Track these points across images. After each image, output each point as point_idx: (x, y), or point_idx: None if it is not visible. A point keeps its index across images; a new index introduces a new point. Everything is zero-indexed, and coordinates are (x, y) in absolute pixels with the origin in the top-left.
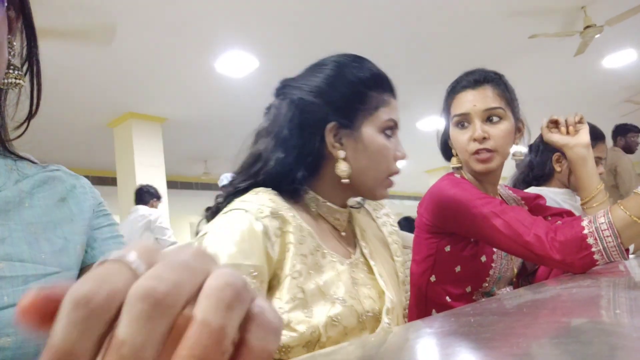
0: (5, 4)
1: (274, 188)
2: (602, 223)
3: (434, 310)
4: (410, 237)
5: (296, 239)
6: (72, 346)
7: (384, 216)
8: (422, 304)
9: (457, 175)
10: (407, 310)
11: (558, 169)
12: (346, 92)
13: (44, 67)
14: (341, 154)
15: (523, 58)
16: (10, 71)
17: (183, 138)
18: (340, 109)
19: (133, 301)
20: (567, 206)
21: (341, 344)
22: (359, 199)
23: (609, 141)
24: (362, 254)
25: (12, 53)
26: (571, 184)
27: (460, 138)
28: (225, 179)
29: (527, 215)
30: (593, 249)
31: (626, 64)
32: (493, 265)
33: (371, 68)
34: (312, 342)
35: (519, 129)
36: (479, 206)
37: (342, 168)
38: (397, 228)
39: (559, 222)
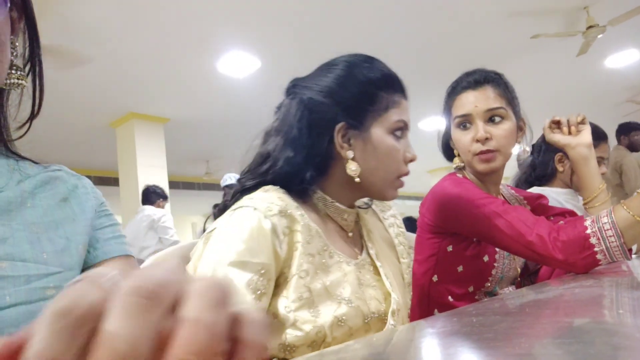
0: (8, 5)
1: (282, 187)
2: (605, 223)
3: (436, 310)
4: (412, 237)
5: (304, 238)
6: (54, 355)
7: (391, 217)
8: (425, 303)
9: (460, 175)
10: (409, 311)
11: (560, 169)
12: (356, 93)
13: (47, 68)
14: (349, 154)
15: (525, 58)
16: (13, 72)
17: (185, 138)
18: (349, 110)
19: (122, 296)
20: (569, 206)
21: (347, 343)
22: (366, 199)
23: (613, 140)
24: (369, 255)
25: (14, 53)
26: (573, 184)
27: (463, 139)
28: (229, 178)
29: (529, 215)
30: (596, 249)
31: (629, 64)
32: (495, 265)
33: (382, 68)
34: (317, 342)
35: (520, 128)
36: (481, 206)
37: (352, 168)
38: (404, 230)
39: (561, 222)
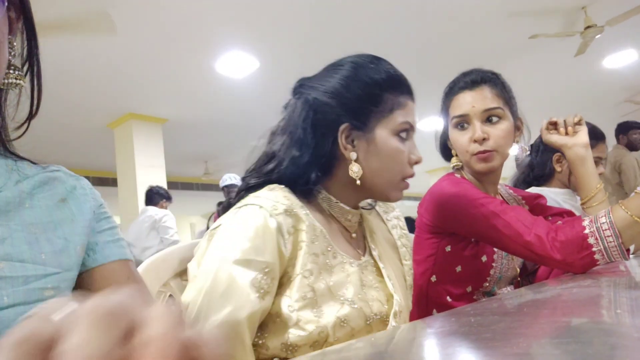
0: (6, 4)
1: (287, 186)
2: (604, 223)
3: (434, 310)
4: (410, 237)
5: (309, 238)
6: None
7: (394, 219)
8: (423, 303)
9: (458, 176)
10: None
11: (558, 169)
12: (360, 94)
13: (44, 68)
14: (353, 155)
15: (523, 58)
16: (11, 71)
17: (183, 139)
18: (353, 110)
19: (82, 315)
20: (567, 206)
21: (349, 342)
22: (370, 200)
23: (611, 140)
24: (372, 256)
25: (12, 53)
26: (572, 184)
27: (461, 139)
28: (228, 179)
29: (527, 215)
30: (594, 249)
31: (627, 64)
32: (494, 265)
33: (388, 69)
34: (319, 342)
35: (517, 128)
36: (480, 206)
37: (354, 169)
38: (407, 231)
39: (559, 222)
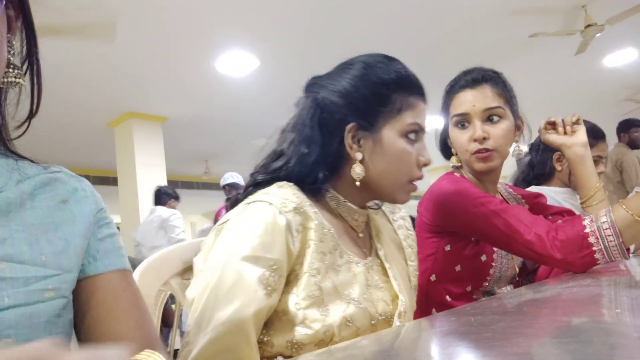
0: (4, 3)
1: (295, 184)
2: (604, 222)
3: (433, 310)
4: (416, 238)
5: (317, 237)
6: None
7: (400, 219)
8: (422, 303)
9: (457, 175)
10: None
11: (559, 168)
12: (368, 94)
13: (44, 67)
14: (358, 155)
15: (523, 57)
16: (10, 70)
17: (183, 138)
18: (360, 110)
19: None
20: (567, 205)
21: (355, 339)
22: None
23: (612, 139)
24: (378, 256)
25: (11, 52)
26: (572, 183)
27: (461, 138)
28: (230, 177)
29: (527, 214)
30: (594, 248)
31: (627, 62)
32: (493, 264)
33: (398, 70)
34: (324, 341)
35: (518, 127)
36: (479, 205)
37: (357, 171)
38: (412, 232)
39: (559, 221)
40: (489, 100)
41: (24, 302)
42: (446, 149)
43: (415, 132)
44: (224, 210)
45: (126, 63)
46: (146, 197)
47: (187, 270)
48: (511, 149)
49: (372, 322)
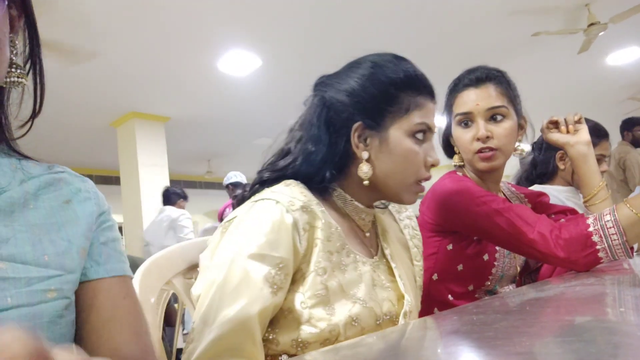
0: (6, 2)
1: (302, 182)
2: (608, 221)
3: (435, 309)
4: (421, 238)
5: (324, 235)
6: None
7: (407, 219)
8: (424, 302)
9: (460, 174)
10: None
11: (562, 166)
12: (375, 93)
13: (48, 67)
14: (365, 154)
15: (526, 56)
16: (13, 70)
17: (186, 137)
18: (367, 110)
19: None
20: (570, 204)
21: (361, 337)
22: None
23: (616, 137)
24: (384, 255)
25: (14, 52)
26: (575, 182)
27: (464, 137)
28: (233, 176)
29: (530, 212)
30: (598, 247)
31: (630, 61)
32: (495, 263)
33: (407, 69)
34: (330, 340)
35: (521, 126)
36: (482, 204)
37: (364, 170)
38: (418, 232)
39: (562, 219)
40: (492, 100)
41: (27, 303)
42: (449, 148)
43: (423, 132)
44: (228, 209)
45: (129, 63)
46: (149, 197)
47: (189, 270)
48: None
49: (377, 322)
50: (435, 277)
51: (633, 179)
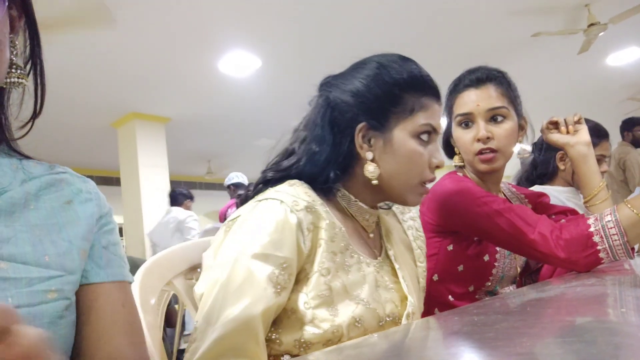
0: (6, 3)
1: (306, 183)
2: (609, 221)
3: (436, 309)
4: (425, 239)
5: (328, 236)
6: None
7: (410, 220)
8: (425, 303)
9: (460, 174)
10: None
11: (562, 167)
12: (380, 93)
13: (48, 68)
14: (369, 155)
15: (526, 56)
16: (13, 70)
17: (186, 138)
18: (371, 110)
19: None
20: (571, 204)
21: (365, 337)
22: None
23: (616, 138)
24: (388, 256)
25: (14, 52)
26: (575, 182)
27: (464, 138)
28: (235, 177)
29: (531, 213)
30: (599, 247)
31: (630, 61)
32: (496, 264)
33: (412, 70)
34: (332, 341)
35: (521, 127)
36: (482, 204)
37: (370, 169)
38: (422, 233)
39: (562, 220)
40: (493, 100)
41: (28, 303)
42: (449, 148)
43: (428, 133)
44: (230, 209)
45: (129, 64)
46: (149, 198)
47: (190, 271)
48: (516, 150)
49: (380, 323)
50: (435, 277)
51: (633, 179)
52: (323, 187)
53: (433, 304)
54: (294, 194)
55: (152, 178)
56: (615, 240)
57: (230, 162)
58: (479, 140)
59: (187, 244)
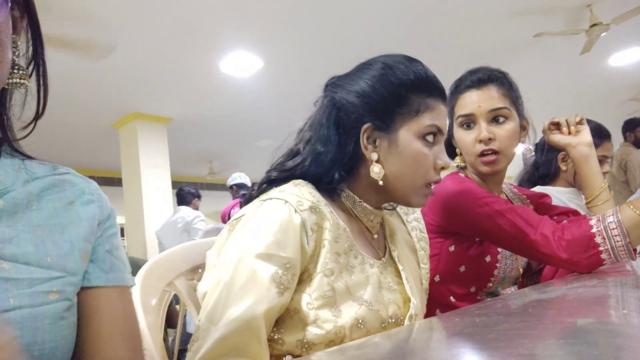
0: (9, 4)
1: (311, 183)
2: (611, 222)
3: (437, 310)
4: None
5: (332, 236)
6: None
7: (414, 221)
8: (426, 304)
9: (462, 175)
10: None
11: (564, 167)
12: (385, 94)
13: (50, 68)
14: (374, 156)
15: (528, 56)
16: (15, 71)
17: (188, 138)
18: (377, 111)
19: None
20: (573, 205)
21: (368, 337)
22: None
23: (619, 137)
24: (391, 257)
25: (17, 53)
26: (577, 183)
27: (466, 139)
28: (238, 177)
29: (533, 214)
30: (601, 248)
31: (632, 62)
32: (497, 265)
33: (418, 70)
34: (335, 342)
35: (523, 128)
36: (484, 205)
37: (375, 170)
38: (425, 235)
39: (564, 221)
40: (494, 101)
41: (29, 304)
42: (450, 149)
43: (433, 134)
44: (233, 210)
45: (131, 64)
46: (150, 198)
47: (191, 271)
48: (521, 148)
49: (383, 324)
50: (437, 278)
51: (634, 180)
52: (328, 187)
53: (434, 304)
54: (299, 194)
55: (153, 179)
56: (618, 241)
57: (232, 163)
58: (480, 141)
59: (188, 245)
